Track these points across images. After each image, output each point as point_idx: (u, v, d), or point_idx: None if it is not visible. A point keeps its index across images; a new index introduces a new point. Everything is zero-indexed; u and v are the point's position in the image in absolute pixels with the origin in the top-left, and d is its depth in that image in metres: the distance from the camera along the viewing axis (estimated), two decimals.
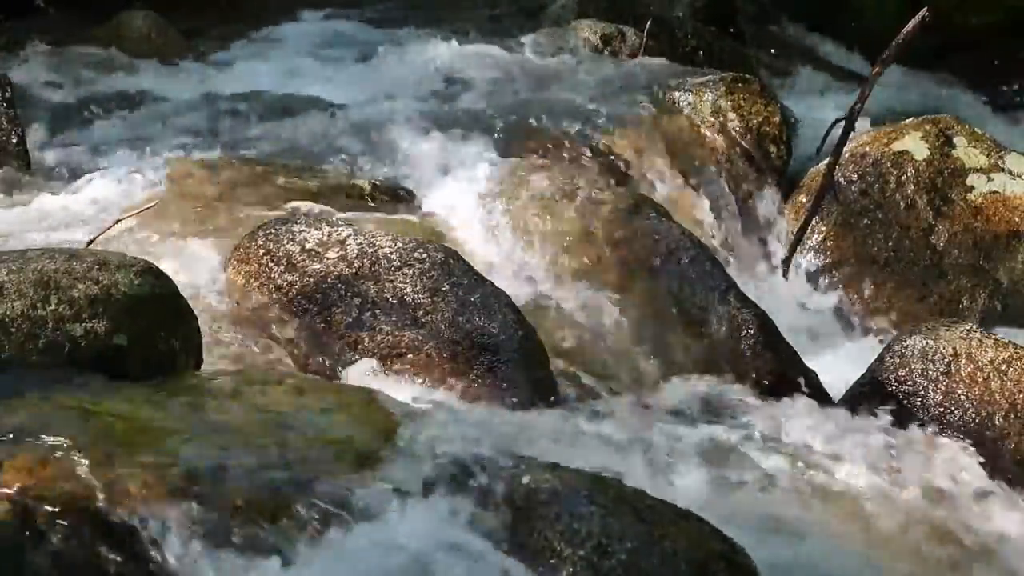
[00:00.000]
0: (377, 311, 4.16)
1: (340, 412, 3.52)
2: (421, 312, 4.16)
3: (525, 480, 3.19)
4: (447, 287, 4.19)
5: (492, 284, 4.30)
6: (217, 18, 8.19)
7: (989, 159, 6.02)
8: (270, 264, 4.26)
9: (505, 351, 4.14)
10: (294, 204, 5.02)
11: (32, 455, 2.98)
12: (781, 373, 4.67)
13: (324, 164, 5.55)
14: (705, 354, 4.70)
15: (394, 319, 4.15)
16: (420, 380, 4.08)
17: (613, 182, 5.59)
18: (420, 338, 4.13)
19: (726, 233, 5.98)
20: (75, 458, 3.00)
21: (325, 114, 6.10)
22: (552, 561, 3.03)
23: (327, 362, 4.13)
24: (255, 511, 2.98)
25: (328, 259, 4.22)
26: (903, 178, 5.97)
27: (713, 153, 6.12)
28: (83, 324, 3.55)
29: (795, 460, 4.19)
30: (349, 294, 4.19)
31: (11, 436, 3.05)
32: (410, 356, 4.11)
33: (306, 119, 6.05)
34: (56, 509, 2.87)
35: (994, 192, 5.96)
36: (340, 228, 4.31)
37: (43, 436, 3.06)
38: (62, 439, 3.06)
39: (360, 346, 4.13)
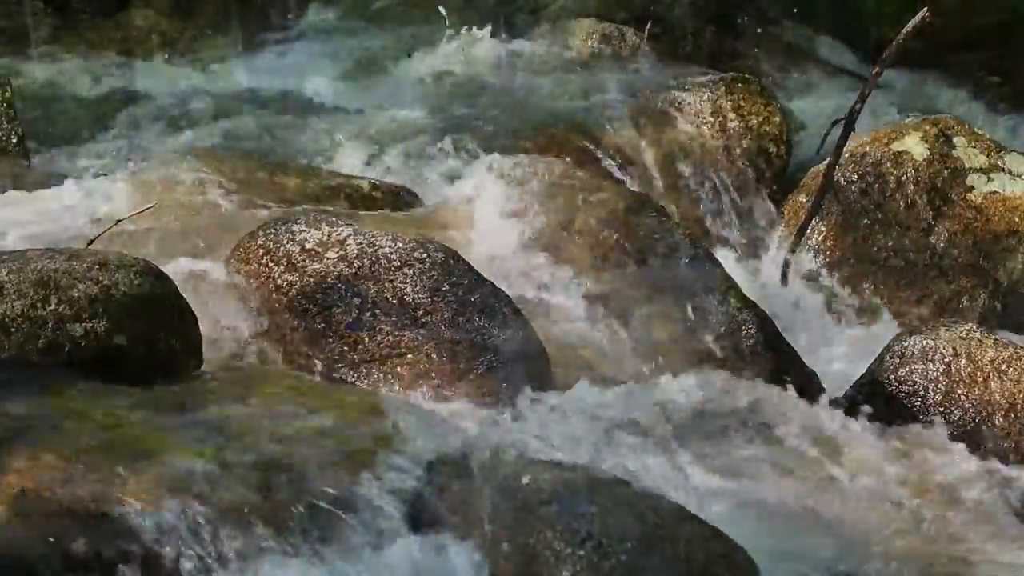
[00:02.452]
0: (377, 311, 4.16)
1: (339, 412, 3.51)
2: (421, 312, 4.15)
3: (525, 480, 3.19)
4: (447, 287, 4.19)
5: (492, 284, 4.30)
6: (217, 18, 8.18)
7: (989, 159, 6.02)
8: (270, 264, 4.25)
9: (505, 351, 4.14)
10: (294, 204, 5.02)
11: (32, 456, 2.98)
12: (781, 373, 4.67)
13: (324, 164, 5.55)
14: (705, 354, 4.69)
15: (394, 319, 4.15)
16: (420, 380, 4.07)
17: (613, 181, 5.59)
18: (420, 338, 4.12)
19: (726, 233, 5.98)
20: (75, 459, 3.00)
21: (325, 114, 6.10)
22: (552, 561, 3.03)
23: (327, 362, 4.13)
24: (253, 512, 2.98)
25: (328, 259, 4.22)
26: (903, 178, 5.96)
27: (713, 153, 6.12)
28: (83, 324, 3.55)
29: (795, 460, 4.20)
30: (349, 294, 4.18)
31: (11, 437, 3.05)
32: (410, 356, 4.11)
33: (306, 119, 6.05)
34: (56, 510, 2.87)
35: (994, 192, 5.95)
36: (340, 228, 4.31)
37: (43, 437, 3.06)
38: (62, 440, 3.05)
39: (360, 346, 4.13)
